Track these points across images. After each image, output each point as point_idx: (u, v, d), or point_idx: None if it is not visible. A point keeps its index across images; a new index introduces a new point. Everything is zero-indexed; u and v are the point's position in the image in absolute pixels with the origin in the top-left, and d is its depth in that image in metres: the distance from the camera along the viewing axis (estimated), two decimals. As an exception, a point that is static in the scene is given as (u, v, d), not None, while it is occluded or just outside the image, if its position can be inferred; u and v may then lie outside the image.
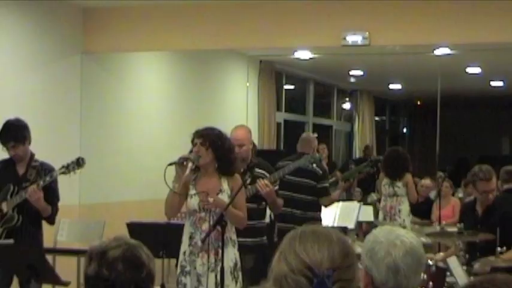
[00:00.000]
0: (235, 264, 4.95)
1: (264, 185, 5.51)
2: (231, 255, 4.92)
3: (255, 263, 5.46)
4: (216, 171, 4.99)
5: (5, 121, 5.65)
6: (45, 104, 7.63)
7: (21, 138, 5.57)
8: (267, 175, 5.65)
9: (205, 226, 4.86)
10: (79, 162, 5.52)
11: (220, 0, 7.65)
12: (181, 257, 4.97)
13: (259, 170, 5.66)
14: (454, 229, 5.76)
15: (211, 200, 4.84)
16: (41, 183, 5.43)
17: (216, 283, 4.75)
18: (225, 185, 4.98)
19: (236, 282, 4.93)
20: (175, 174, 4.96)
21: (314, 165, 6.40)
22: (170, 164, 4.89)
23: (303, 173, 6.50)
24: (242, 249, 5.07)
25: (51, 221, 5.74)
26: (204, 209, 4.92)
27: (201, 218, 4.93)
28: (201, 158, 4.91)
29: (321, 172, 6.79)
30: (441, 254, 5.76)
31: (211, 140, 4.92)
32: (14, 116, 5.72)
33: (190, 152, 5.04)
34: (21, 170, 5.64)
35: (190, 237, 4.93)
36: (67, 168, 5.49)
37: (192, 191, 4.98)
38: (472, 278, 4.85)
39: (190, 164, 4.89)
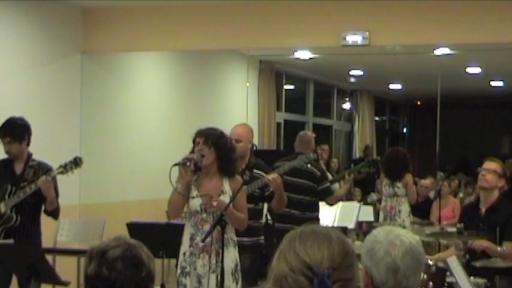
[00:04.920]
0: (236, 266, 4.95)
1: (275, 179, 5.48)
2: (232, 256, 4.92)
3: (251, 263, 5.45)
4: (218, 172, 4.99)
5: (9, 117, 5.68)
6: (45, 104, 7.63)
7: (19, 136, 5.58)
8: (265, 175, 5.65)
9: (206, 227, 4.85)
10: (77, 162, 5.53)
11: (220, 0, 7.65)
12: (181, 257, 4.96)
13: (257, 171, 5.66)
14: (454, 229, 5.75)
15: (215, 203, 4.83)
16: (52, 174, 5.45)
17: (217, 284, 4.75)
18: (226, 186, 4.98)
19: (237, 283, 4.93)
20: (178, 175, 4.96)
21: (309, 165, 6.39)
22: (175, 165, 4.90)
23: (300, 173, 6.51)
24: (239, 248, 5.06)
25: (56, 215, 5.76)
26: (206, 210, 4.92)
27: (203, 219, 4.93)
28: (204, 157, 4.91)
29: (319, 173, 6.79)
30: (440, 254, 5.76)
31: (213, 139, 4.92)
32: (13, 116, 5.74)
33: (192, 152, 5.03)
34: (18, 170, 5.64)
35: (191, 238, 4.92)
36: (65, 168, 5.50)
37: (194, 192, 4.97)
38: (472, 278, 4.85)
39: (192, 165, 4.90)
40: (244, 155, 5.66)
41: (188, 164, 4.90)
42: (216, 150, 4.93)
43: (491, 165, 5.40)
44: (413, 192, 8.43)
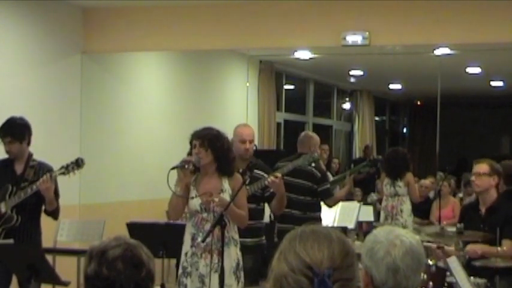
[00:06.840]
0: (238, 264, 4.95)
1: (275, 180, 5.48)
2: (233, 254, 4.92)
3: (253, 263, 5.45)
4: (216, 172, 5.00)
5: (10, 116, 5.68)
6: (45, 104, 7.63)
7: (19, 136, 5.57)
8: (266, 176, 5.65)
9: (207, 227, 4.85)
10: (78, 163, 5.53)
11: (220, 0, 7.65)
12: (183, 257, 4.96)
13: (258, 171, 5.66)
14: (454, 229, 5.75)
15: (216, 199, 4.83)
16: (54, 174, 5.44)
17: (219, 283, 4.74)
18: (226, 185, 4.98)
19: (238, 282, 4.92)
20: (177, 177, 4.96)
21: (313, 164, 6.38)
22: (173, 168, 4.90)
23: (300, 174, 6.49)
24: (241, 249, 5.06)
25: (55, 216, 5.76)
26: (206, 209, 4.92)
27: (203, 218, 4.93)
28: (202, 159, 4.91)
29: (319, 174, 6.75)
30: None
31: (210, 140, 4.92)
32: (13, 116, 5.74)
33: (189, 153, 5.03)
34: (19, 170, 5.64)
35: (193, 238, 4.93)
36: (66, 169, 5.50)
37: (193, 192, 4.98)
38: (472, 278, 4.85)
39: (191, 167, 4.90)
40: (252, 155, 5.71)
41: (187, 166, 4.90)
42: (213, 151, 4.93)
43: (479, 168, 5.39)
44: (416, 191, 8.44)
